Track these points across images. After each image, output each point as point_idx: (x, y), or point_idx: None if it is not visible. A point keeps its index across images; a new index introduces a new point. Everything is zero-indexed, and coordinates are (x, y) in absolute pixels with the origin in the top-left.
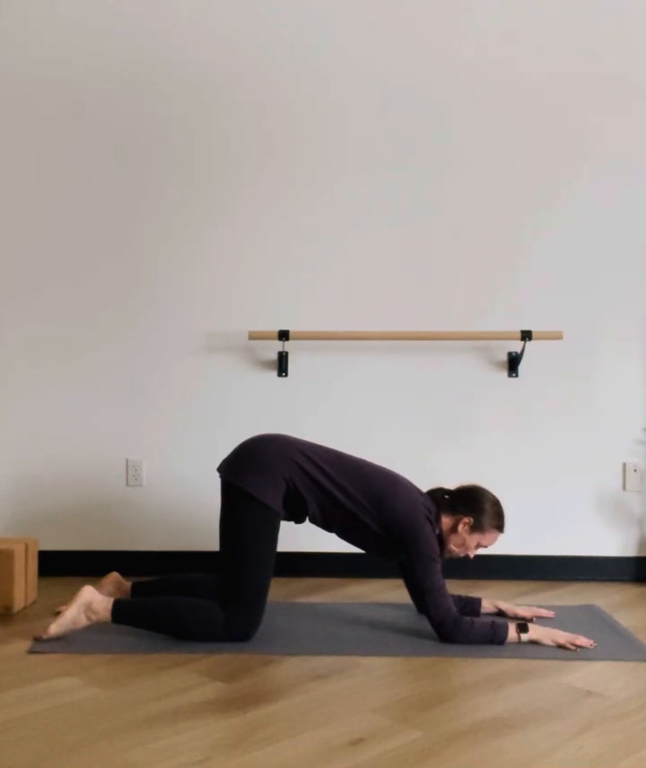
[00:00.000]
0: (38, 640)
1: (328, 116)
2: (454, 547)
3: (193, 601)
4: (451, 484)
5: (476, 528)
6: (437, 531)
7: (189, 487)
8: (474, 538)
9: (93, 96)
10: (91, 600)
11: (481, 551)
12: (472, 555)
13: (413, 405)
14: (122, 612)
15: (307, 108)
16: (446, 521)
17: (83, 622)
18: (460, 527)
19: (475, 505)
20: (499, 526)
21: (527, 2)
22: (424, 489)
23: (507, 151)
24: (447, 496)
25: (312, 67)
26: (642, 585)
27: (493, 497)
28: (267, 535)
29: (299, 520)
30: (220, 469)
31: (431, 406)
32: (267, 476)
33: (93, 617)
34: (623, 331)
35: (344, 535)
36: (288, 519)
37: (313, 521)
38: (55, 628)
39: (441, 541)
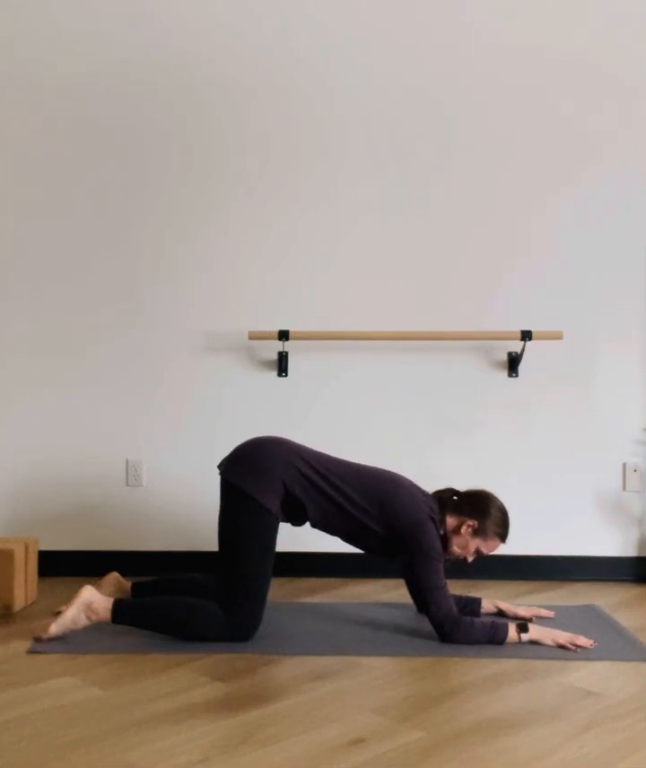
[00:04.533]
0: (38, 640)
1: (327, 116)
2: (457, 549)
3: (192, 601)
4: (455, 485)
5: (479, 532)
6: (441, 531)
7: (189, 487)
8: (475, 542)
9: (93, 96)
10: (92, 600)
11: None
12: (470, 559)
13: (413, 405)
14: (122, 612)
15: (305, 108)
16: (450, 522)
17: (83, 622)
18: (464, 528)
19: (482, 509)
20: (501, 534)
21: (526, 3)
22: (427, 489)
23: (506, 151)
24: (455, 497)
25: (311, 67)
26: (642, 585)
27: (502, 505)
28: (266, 536)
29: (298, 523)
30: (220, 466)
31: (431, 406)
32: (266, 479)
33: (93, 617)
34: (622, 331)
35: (347, 538)
36: (286, 521)
37: (315, 526)
38: (55, 628)
39: (445, 541)
